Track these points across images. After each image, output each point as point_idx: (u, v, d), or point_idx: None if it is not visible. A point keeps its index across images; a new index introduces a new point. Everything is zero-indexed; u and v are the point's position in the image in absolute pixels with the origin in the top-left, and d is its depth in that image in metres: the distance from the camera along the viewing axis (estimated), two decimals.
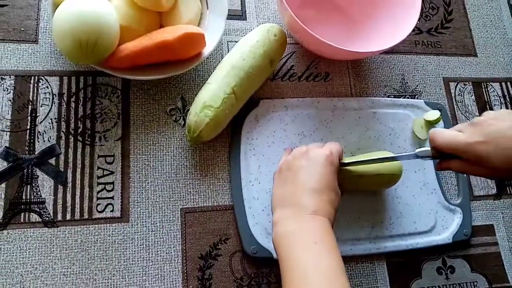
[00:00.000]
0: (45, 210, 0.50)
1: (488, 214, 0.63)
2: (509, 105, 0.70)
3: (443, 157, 0.49)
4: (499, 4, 0.76)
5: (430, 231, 0.59)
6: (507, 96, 0.70)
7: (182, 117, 0.57)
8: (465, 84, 0.70)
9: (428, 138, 0.50)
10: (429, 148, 0.50)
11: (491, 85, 0.70)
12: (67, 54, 0.48)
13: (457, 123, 0.67)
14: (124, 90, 0.56)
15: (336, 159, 0.48)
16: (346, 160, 0.52)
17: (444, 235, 0.59)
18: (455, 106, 0.68)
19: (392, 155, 0.54)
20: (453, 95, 0.69)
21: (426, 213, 0.60)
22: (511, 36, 0.75)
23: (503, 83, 0.71)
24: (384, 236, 0.57)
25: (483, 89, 0.70)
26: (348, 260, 0.56)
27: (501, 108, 0.69)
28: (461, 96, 0.69)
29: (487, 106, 0.69)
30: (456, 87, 0.69)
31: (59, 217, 0.50)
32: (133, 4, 0.52)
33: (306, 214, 0.43)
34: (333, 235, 0.43)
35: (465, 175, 0.63)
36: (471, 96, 0.69)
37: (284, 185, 0.47)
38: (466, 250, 0.60)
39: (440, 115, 0.63)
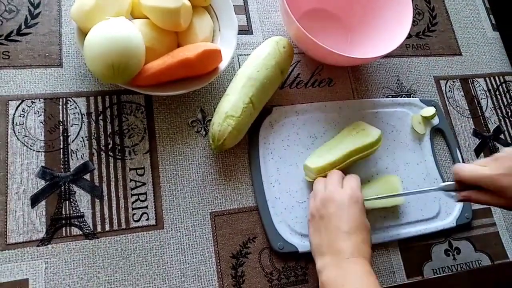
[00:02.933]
0: (84, 223, 0.53)
1: None
2: (494, 98, 0.77)
3: (465, 189, 0.54)
4: (476, 6, 0.83)
5: (435, 217, 0.65)
6: (491, 90, 0.77)
7: (203, 128, 0.61)
8: (453, 81, 0.76)
9: (453, 170, 0.54)
10: (453, 182, 0.55)
11: (477, 80, 0.77)
12: (99, 76, 0.51)
13: (450, 118, 0.73)
14: (147, 106, 0.60)
15: (360, 195, 0.53)
16: (367, 196, 0.57)
17: (448, 220, 0.65)
18: (447, 102, 0.74)
19: (419, 189, 0.59)
20: (444, 92, 0.75)
21: (430, 201, 0.65)
22: (490, 35, 0.82)
23: (487, 78, 0.78)
24: (396, 224, 0.62)
25: (470, 85, 0.77)
26: None
27: (487, 101, 0.76)
28: (451, 92, 0.75)
29: (475, 100, 0.76)
30: (446, 84, 0.75)
31: (99, 229, 0.53)
32: (154, 26, 0.56)
33: (345, 259, 0.48)
34: (373, 276, 0.47)
35: None
36: (460, 92, 0.75)
37: (320, 234, 0.52)
38: (468, 232, 0.66)
39: (435, 111, 0.69)
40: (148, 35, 0.55)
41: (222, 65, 0.59)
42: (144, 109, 0.60)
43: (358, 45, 0.71)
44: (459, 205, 0.66)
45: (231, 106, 0.57)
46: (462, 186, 0.54)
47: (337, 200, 0.52)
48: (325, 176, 0.58)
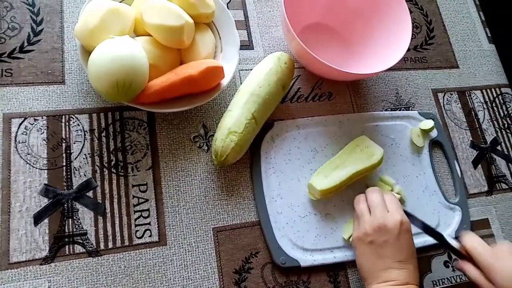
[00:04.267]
0: (87, 241, 0.53)
1: (482, 210, 0.70)
2: (491, 110, 0.78)
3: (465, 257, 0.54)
4: (473, 20, 0.85)
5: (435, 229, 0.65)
6: (488, 102, 0.78)
7: (205, 143, 0.61)
8: (451, 94, 0.77)
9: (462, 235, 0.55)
10: (460, 244, 0.55)
11: (474, 93, 0.78)
12: (104, 94, 0.52)
13: (448, 130, 0.74)
14: (150, 122, 0.60)
15: (408, 221, 0.55)
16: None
17: (447, 231, 0.66)
18: (444, 115, 0.75)
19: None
20: (441, 104, 0.76)
21: (430, 213, 0.66)
22: (486, 47, 0.83)
23: (484, 90, 0.79)
24: None
25: (467, 97, 0.78)
26: None
27: (484, 113, 0.77)
28: (449, 105, 0.76)
29: (472, 112, 0.77)
30: (444, 97, 0.76)
31: (102, 246, 0.53)
32: (157, 43, 0.56)
33: (400, 285, 0.50)
34: None
35: (460, 176, 0.70)
36: (458, 104, 0.76)
37: (371, 258, 0.53)
38: None
39: (434, 123, 0.70)
40: (151, 53, 0.56)
41: (225, 81, 0.60)
42: (147, 125, 0.60)
43: (358, 60, 0.72)
44: (458, 217, 0.67)
45: (234, 122, 0.57)
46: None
47: (389, 229, 0.53)
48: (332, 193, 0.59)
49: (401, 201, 0.65)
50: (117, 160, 0.57)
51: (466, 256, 0.53)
